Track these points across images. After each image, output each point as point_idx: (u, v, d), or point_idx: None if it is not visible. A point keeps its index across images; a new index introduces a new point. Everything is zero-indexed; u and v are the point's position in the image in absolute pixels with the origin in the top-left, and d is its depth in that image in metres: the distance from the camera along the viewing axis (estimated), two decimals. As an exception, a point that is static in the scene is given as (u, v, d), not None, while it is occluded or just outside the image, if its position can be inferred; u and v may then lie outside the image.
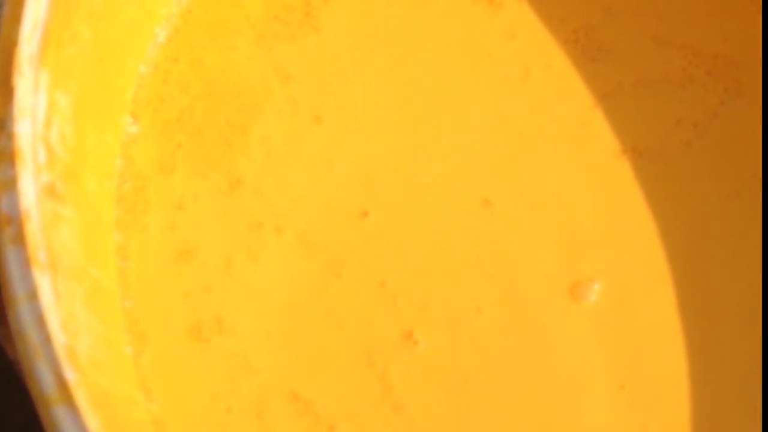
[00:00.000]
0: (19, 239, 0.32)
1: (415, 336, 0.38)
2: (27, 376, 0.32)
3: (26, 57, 0.34)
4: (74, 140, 0.35)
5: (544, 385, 0.38)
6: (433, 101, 0.39)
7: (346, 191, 0.39)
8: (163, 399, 0.37)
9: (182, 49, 0.39)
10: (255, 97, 0.39)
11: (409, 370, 0.37)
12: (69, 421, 0.31)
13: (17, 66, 0.34)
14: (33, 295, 0.32)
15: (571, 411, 0.37)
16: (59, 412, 0.31)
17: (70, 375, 0.32)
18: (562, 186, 0.39)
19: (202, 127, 0.39)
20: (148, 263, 0.38)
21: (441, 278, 0.38)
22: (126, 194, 0.38)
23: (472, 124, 0.39)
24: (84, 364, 0.33)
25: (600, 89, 0.40)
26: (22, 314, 0.32)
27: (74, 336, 0.33)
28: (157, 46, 0.39)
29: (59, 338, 0.32)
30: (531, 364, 0.38)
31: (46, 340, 0.32)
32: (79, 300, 0.34)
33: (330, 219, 0.38)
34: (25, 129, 0.33)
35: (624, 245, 0.39)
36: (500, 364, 0.38)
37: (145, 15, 0.38)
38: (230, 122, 0.39)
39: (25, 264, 0.32)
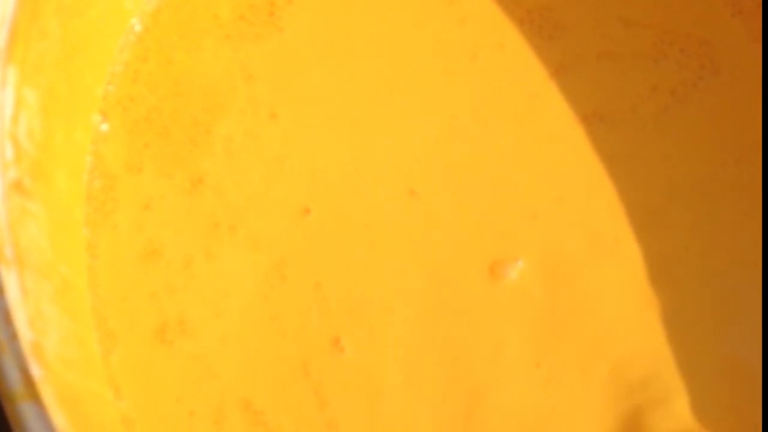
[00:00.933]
0: (-14, 235, 0.33)
1: (342, 342, 0.37)
2: (-7, 372, 0.32)
3: (-6, 52, 0.34)
4: (42, 136, 0.35)
5: (462, 370, 0.37)
6: (382, 95, 0.39)
7: (291, 188, 0.39)
8: (132, 398, 0.37)
9: (152, 49, 0.39)
10: (220, 96, 0.39)
11: (339, 382, 0.37)
12: (35, 417, 0.31)
13: (-15, 62, 0.34)
14: (-1, 291, 0.32)
15: (486, 389, 0.37)
16: (25, 409, 0.31)
17: (36, 371, 0.31)
18: (500, 163, 0.39)
19: (168, 127, 0.39)
20: (117, 262, 0.38)
21: (366, 277, 0.38)
22: (96, 192, 0.38)
23: (413, 114, 0.39)
24: (51, 361, 0.33)
25: (557, 62, 0.40)
26: (-12, 310, 0.32)
27: (42, 333, 0.33)
28: (127, 45, 0.39)
29: (26, 334, 0.32)
30: (450, 351, 0.38)
31: (12, 336, 0.32)
32: (48, 296, 0.34)
33: (276, 217, 0.38)
34: (-9, 124, 0.34)
35: (568, 218, 0.39)
36: (421, 361, 0.37)
37: (115, 13, 0.38)
38: (196, 122, 0.39)
39: (-9, 259, 0.32)
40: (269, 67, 0.39)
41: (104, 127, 0.38)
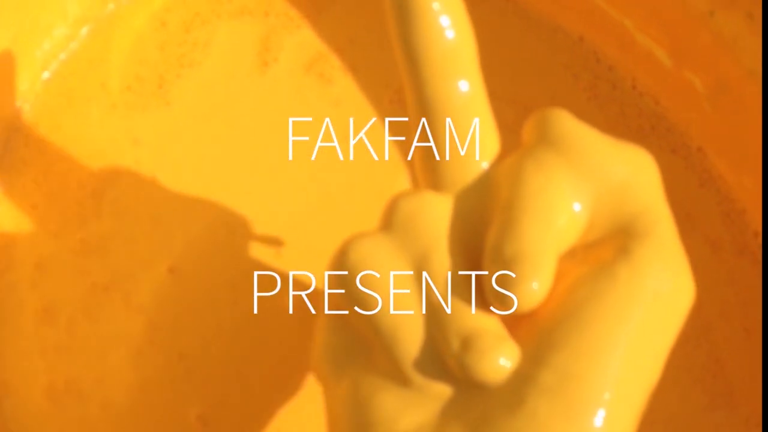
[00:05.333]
0: None
1: (204, 418, 0.37)
2: None
3: None
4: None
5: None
6: (253, 162, 0.40)
7: (161, 247, 0.39)
8: (25, 447, 0.37)
9: (43, 114, 0.40)
10: (107, 160, 0.39)
11: None
12: None
13: None
14: None
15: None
16: None
17: None
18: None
19: (55, 190, 0.39)
20: (12, 318, 0.38)
21: (227, 345, 0.38)
22: (-7, 251, 0.39)
23: (283, 179, 0.40)
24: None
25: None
26: None
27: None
28: (20, 110, 0.40)
29: None
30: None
31: None
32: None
33: (145, 277, 0.38)
34: None
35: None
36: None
37: (7, 77, 0.39)
38: (82, 185, 0.39)
39: None
40: (154, 134, 0.40)
41: (0, 189, 0.39)
